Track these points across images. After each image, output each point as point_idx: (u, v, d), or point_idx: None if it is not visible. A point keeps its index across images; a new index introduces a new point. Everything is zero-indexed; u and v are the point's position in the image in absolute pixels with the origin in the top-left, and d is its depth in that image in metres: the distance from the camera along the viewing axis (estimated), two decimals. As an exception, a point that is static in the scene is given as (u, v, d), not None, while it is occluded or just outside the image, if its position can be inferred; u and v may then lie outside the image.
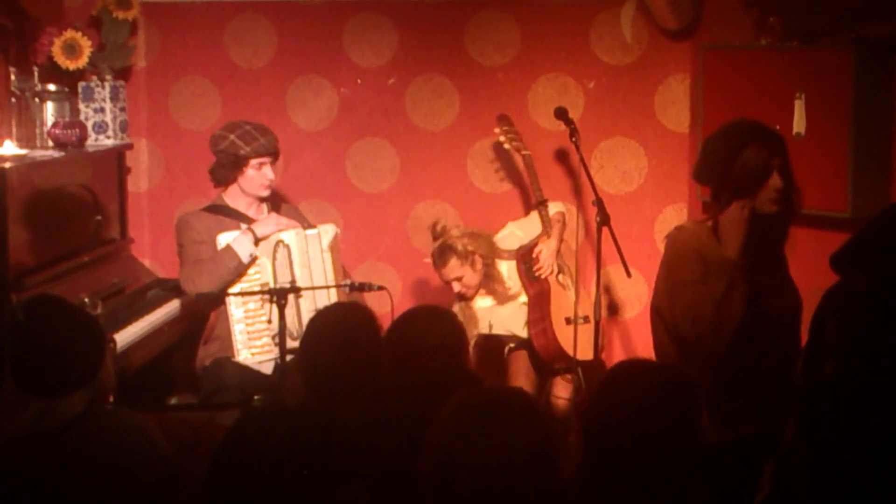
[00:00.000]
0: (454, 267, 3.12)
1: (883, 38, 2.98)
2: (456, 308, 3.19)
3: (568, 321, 3.11)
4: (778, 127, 3.10)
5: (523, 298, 3.20)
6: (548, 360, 3.17)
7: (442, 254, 3.13)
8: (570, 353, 3.07)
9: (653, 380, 1.52)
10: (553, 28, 3.46)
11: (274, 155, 2.97)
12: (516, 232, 3.24)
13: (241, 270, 2.83)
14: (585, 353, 3.05)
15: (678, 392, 1.51)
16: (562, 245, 3.21)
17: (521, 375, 3.22)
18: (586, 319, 3.10)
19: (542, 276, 3.15)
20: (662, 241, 3.55)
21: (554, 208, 3.22)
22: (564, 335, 3.14)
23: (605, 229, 2.92)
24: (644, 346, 3.58)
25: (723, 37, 3.34)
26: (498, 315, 3.18)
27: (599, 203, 2.95)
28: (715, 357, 2.12)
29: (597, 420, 1.49)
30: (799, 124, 3.08)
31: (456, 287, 3.13)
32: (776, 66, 3.13)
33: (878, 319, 1.77)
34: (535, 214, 3.22)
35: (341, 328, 2.07)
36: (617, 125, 3.49)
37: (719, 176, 2.24)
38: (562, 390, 3.24)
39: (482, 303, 3.20)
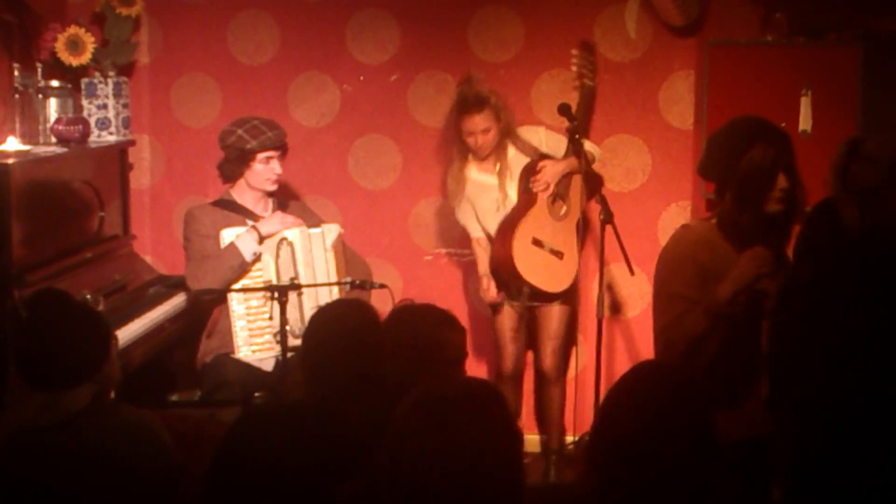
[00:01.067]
0: (487, 117, 3.09)
1: (890, 34, 2.97)
2: (453, 170, 3.18)
3: (536, 242, 3.09)
4: (784, 124, 3.09)
5: (511, 201, 3.16)
6: (493, 267, 3.18)
7: (478, 101, 3.09)
8: (525, 275, 3.08)
9: (668, 383, 1.50)
10: (556, 24, 3.45)
11: (282, 149, 2.97)
12: (541, 135, 3.21)
13: (244, 268, 2.84)
14: (548, 284, 3.08)
15: (693, 395, 1.49)
16: (574, 178, 3.13)
17: (507, 338, 3.20)
18: (559, 255, 3.09)
19: (535, 190, 3.11)
20: (664, 238, 3.56)
21: (587, 145, 3.18)
22: (525, 254, 3.11)
23: (608, 227, 2.92)
24: (646, 345, 3.58)
25: (728, 33, 3.33)
26: (479, 202, 3.17)
27: (602, 200, 2.94)
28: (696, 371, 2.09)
29: (610, 423, 1.48)
30: (805, 121, 3.07)
31: (479, 140, 3.10)
32: (782, 63, 3.12)
33: (820, 309, 1.75)
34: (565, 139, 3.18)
35: (343, 325, 2.07)
36: (620, 122, 3.48)
37: (724, 173, 2.22)
38: (549, 363, 3.22)
39: (476, 176, 3.16)
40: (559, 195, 3.16)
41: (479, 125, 3.10)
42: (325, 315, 2.17)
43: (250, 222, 2.93)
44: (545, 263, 3.13)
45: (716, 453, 1.47)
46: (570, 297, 3.19)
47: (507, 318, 3.21)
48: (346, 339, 2.02)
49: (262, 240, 2.86)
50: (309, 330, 2.13)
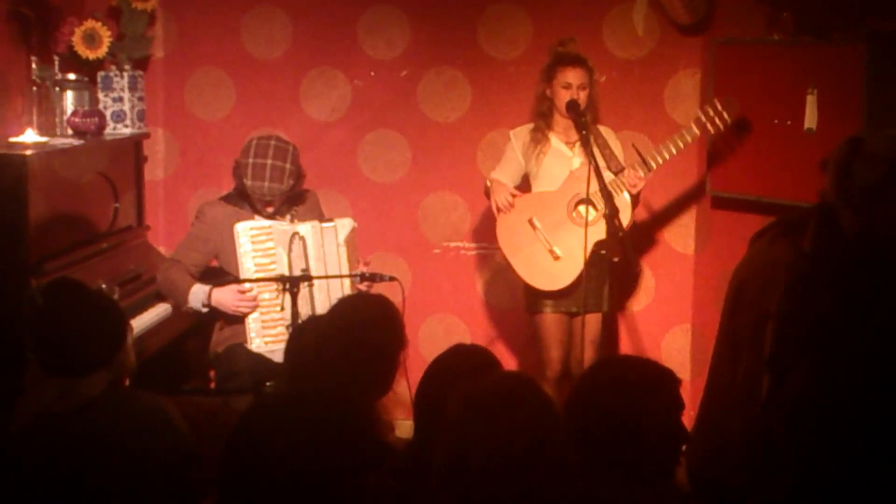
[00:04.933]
0: (585, 74, 3.07)
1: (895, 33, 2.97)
2: (526, 130, 3.14)
3: (531, 222, 3.10)
4: (789, 122, 3.11)
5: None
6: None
7: (578, 57, 3.07)
8: (500, 241, 3.12)
9: (632, 373, 1.57)
10: (565, 22, 3.47)
11: (273, 204, 2.92)
12: (619, 144, 3.15)
13: (182, 307, 2.91)
14: (524, 270, 3.09)
15: (656, 385, 1.56)
16: (617, 199, 3.01)
17: (555, 341, 3.16)
18: (552, 253, 3.07)
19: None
20: (670, 235, 3.60)
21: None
22: (512, 223, 3.11)
23: (613, 222, 2.95)
24: (650, 339, 3.62)
25: (735, 32, 3.33)
26: (549, 170, 3.12)
27: (608, 197, 2.97)
28: None
29: (578, 413, 1.54)
30: (810, 120, 3.07)
31: (575, 95, 3.05)
32: (788, 62, 3.12)
33: (821, 311, 1.76)
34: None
35: (354, 319, 2.11)
36: (627, 119, 3.51)
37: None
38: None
39: (556, 144, 3.12)
40: (586, 201, 3.06)
41: (579, 78, 3.07)
42: (346, 306, 2.21)
43: (259, 217, 2.93)
44: (531, 249, 3.09)
45: (680, 437, 1.54)
46: (602, 302, 3.14)
47: (553, 325, 3.15)
48: (365, 331, 2.06)
49: (209, 304, 2.87)
50: (328, 318, 2.17)
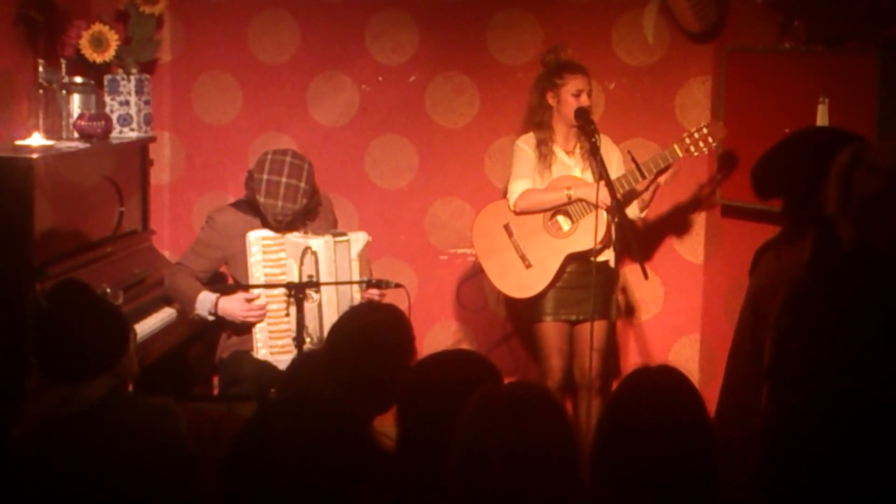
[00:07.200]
0: (589, 80, 3.07)
1: (909, 43, 2.95)
2: (532, 139, 3.12)
3: (507, 228, 3.13)
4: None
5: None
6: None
7: (579, 64, 3.09)
8: (476, 244, 3.20)
9: (671, 389, 1.53)
10: (575, 28, 3.46)
11: (285, 222, 2.87)
12: (616, 156, 3.14)
13: (189, 314, 2.90)
14: (495, 276, 3.15)
15: (695, 404, 1.52)
16: (599, 213, 3.00)
17: (555, 349, 3.13)
18: (524, 260, 3.10)
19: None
20: (679, 244, 3.57)
21: (634, 213, 3.15)
22: (488, 227, 3.16)
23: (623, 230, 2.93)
24: (658, 349, 3.59)
25: (746, 39, 3.32)
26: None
27: (618, 204, 2.95)
28: None
29: (611, 424, 1.52)
30: (821, 129, 3.05)
31: (582, 100, 3.06)
32: (799, 70, 3.11)
33: (820, 322, 1.74)
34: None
35: (364, 322, 2.09)
36: (637, 126, 3.49)
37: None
38: (594, 374, 3.15)
39: (559, 154, 3.13)
40: (563, 211, 3.09)
41: (587, 85, 3.06)
42: (358, 310, 2.21)
43: (267, 231, 2.91)
44: (505, 255, 3.09)
45: (712, 470, 1.50)
46: (609, 310, 3.09)
47: (553, 333, 3.12)
48: (362, 340, 2.04)
49: (216, 312, 2.84)
50: (334, 326, 2.16)
